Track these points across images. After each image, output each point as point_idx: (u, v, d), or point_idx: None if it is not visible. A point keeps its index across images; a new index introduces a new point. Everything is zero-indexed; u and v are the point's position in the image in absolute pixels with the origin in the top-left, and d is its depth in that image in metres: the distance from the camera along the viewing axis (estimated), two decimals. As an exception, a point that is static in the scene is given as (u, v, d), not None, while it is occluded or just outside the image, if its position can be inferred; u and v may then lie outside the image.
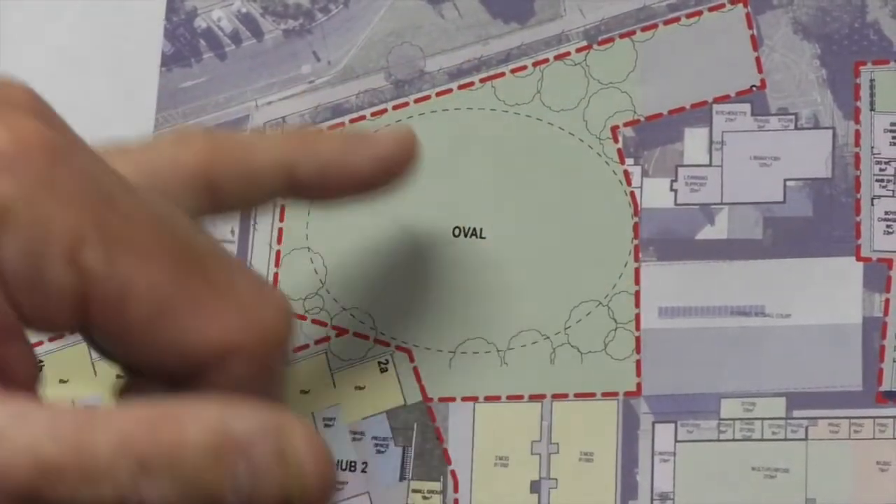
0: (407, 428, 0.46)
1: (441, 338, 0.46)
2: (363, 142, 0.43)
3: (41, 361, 0.48)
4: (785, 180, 0.47)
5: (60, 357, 0.49)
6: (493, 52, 0.48)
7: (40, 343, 0.49)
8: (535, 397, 0.46)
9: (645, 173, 0.48)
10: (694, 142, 0.47)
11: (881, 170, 0.47)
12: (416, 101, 0.49)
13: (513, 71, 0.48)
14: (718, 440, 0.47)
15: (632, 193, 0.47)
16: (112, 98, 0.48)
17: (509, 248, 0.47)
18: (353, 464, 0.47)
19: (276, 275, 0.48)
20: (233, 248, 0.48)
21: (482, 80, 0.48)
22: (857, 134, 0.47)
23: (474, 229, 0.46)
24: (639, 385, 0.46)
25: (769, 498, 0.46)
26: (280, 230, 0.48)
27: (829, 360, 0.46)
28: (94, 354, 0.48)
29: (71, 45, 0.50)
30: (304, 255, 0.49)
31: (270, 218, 0.49)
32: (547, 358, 0.46)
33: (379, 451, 0.47)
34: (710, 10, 0.48)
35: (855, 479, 0.46)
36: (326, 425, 0.46)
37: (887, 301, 0.46)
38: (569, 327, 0.46)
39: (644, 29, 0.48)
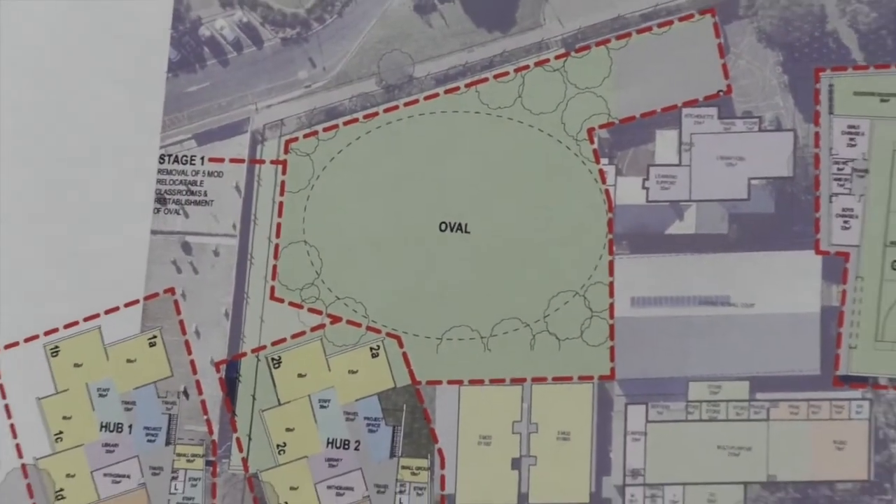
0: (397, 409, 0.48)
1: (428, 325, 0.48)
2: None
3: (56, 347, 0.50)
4: (749, 179, 0.48)
5: (74, 343, 0.51)
6: (478, 58, 0.49)
7: (55, 330, 0.51)
8: (515, 381, 0.48)
9: (619, 172, 0.49)
10: (664, 143, 0.49)
11: (839, 169, 0.48)
12: (406, 104, 0.49)
13: (496, 76, 0.49)
14: (686, 420, 0.48)
15: (606, 191, 0.49)
16: (122, 102, 0.50)
17: (492, 242, 0.49)
18: (346, 442, 0.49)
19: (274, 267, 0.50)
20: (234, 243, 0.49)
21: (467, 85, 0.49)
22: (817, 136, 0.48)
23: (460, 224, 0.48)
24: (612, 370, 0.48)
25: (733, 474, 0.48)
26: (279, 225, 0.50)
27: (789, 347, 0.48)
28: (107, 340, 0.50)
29: (82, 52, 0.51)
30: (301, 248, 0.51)
31: (270, 214, 0.50)
32: (527, 344, 0.48)
33: (371, 431, 0.49)
34: (681, 20, 0.49)
35: (813, 456, 0.48)
36: (322, 406, 0.49)
37: (844, 292, 0.48)
38: (547, 316, 0.48)
39: (618, 37, 0.49)
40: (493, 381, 0.48)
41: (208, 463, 0.50)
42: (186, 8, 0.50)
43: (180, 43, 0.51)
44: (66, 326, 0.50)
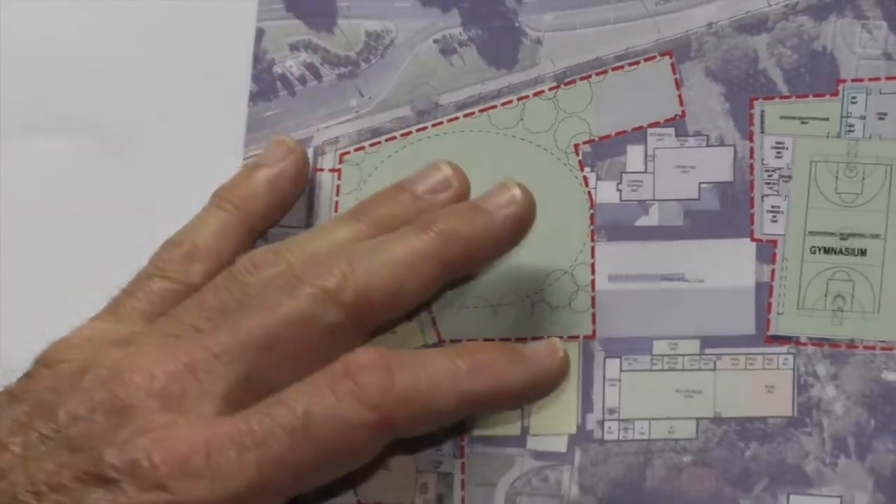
0: (427, 361, 0.53)
1: (452, 296, 0.53)
2: (522, 360, 0.48)
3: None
4: (699, 183, 0.53)
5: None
6: (489, 90, 0.54)
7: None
8: (518, 339, 0.53)
9: (598, 178, 0.54)
10: (634, 155, 0.54)
11: (769, 175, 0.53)
12: (433, 125, 0.54)
13: (502, 104, 0.54)
14: (651, 370, 0.53)
15: (589, 193, 0.54)
16: (212, 126, 0.55)
17: (500, 232, 0.54)
18: (387, 391, 0.54)
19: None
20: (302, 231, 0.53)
21: (480, 111, 0.54)
22: (752, 150, 0.53)
23: None
24: (594, 331, 0.53)
25: (688, 412, 0.53)
26: (336, 203, 0.54)
27: (731, 313, 0.53)
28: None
29: (178, 88, 0.56)
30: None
31: (328, 209, 0.54)
32: (527, 311, 0.53)
33: (407, 377, 0.53)
34: (646, 60, 0.54)
35: (750, 398, 0.52)
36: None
37: (773, 271, 0.53)
38: (543, 289, 0.53)
39: (597, 74, 0.54)
40: (500, 339, 0.53)
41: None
42: (263, 52, 0.55)
43: (259, 78, 0.55)
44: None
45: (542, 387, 0.49)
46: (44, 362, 0.46)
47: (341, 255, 0.45)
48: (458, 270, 0.49)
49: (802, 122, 0.53)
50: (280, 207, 0.52)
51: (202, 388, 0.43)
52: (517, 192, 0.49)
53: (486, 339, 0.52)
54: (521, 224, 0.49)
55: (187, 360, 0.43)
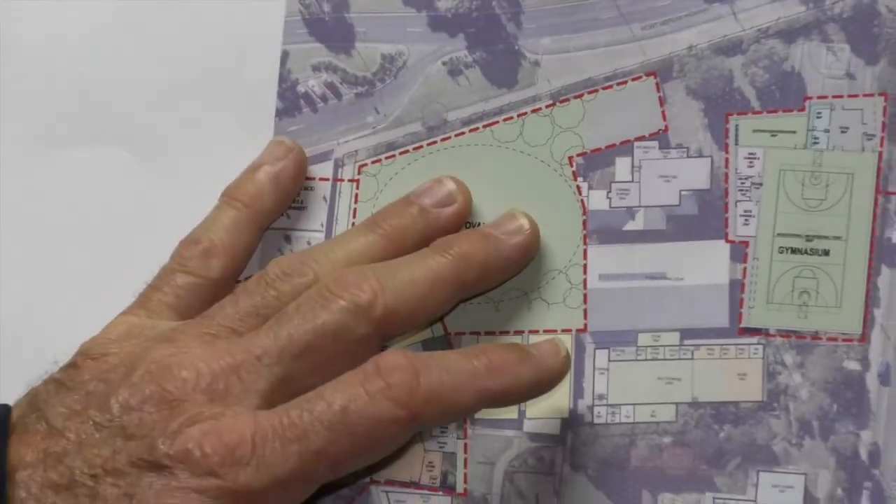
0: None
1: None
2: (530, 360, 0.48)
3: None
4: (680, 191, 0.54)
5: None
6: (492, 107, 0.55)
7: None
8: (517, 332, 0.54)
9: (590, 187, 0.54)
10: (622, 166, 0.54)
11: (742, 183, 0.54)
12: (441, 140, 0.55)
13: (504, 120, 0.54)
14: (636, 360, 0.53)
15: (582, 200, 0.54)
16: (242, 140, 0.55)
17: (501, 236, 0.53)
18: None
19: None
20: (321, 236, 0.54)
21: (484, 126, 0.54)
22: (727, 160, 0.54)
23: (479, 224, 0.54)
24: (585, 325, 0.53)
25: (668, 397, 0.53)
26: (353, 224, 0.54)
27: (707, 308, 0.53)
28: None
29: (210, 105, 0.56)
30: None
31: (347, 216, 0.55)
32: (526, 307, 0.54)
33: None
34: (633, 80, 0.54)
35: (724, 384, 0.53)
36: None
37: (745, 269, 0.53)
38: (540, 287, 0.54)
39: (589, 92, 0.54)
40: (500, 332, 0.54)
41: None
42: (288, 72, 0.55)
43: (284, 96, 0.55)
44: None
45: (547, 383, 0.49)
46: (89, 354, 0.47)
47: (370, 272, 0.47)
48: (471, 290, 0.51)
49: (772, 135, 0.53)
50: (284, 202, 0.53)
51: (244, 386, 0.44)
52: (524, 221, 0.51)
53: (487, 332, 0.53)
54: (527, 251, 0.51)
55: (230, 360, 0.45)
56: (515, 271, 0.52)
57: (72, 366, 0.47)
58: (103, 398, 0.44)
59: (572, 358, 0.53)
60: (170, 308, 0.49)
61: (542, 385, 0.49)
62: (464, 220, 0.52)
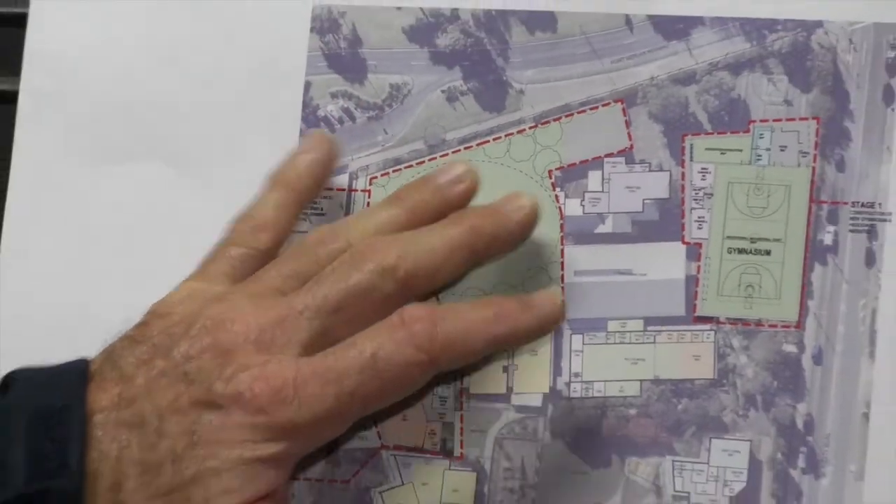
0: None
1: (454, 286, 0.56)
2: (532, 308, 0.52)
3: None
4: (643, 199, 0.57)
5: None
6: (483, 128, 0.58)
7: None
8: None
9: (566, 196, 0.57)
10: (594, 178, 0.57)
11: (696, 193, 0.57)
12: (441, 156, 0.58)
13: (493, 139, 0.58)
14: (606, 343, 0.57)
15: (559, 207, 0.57)
16: (270, 156, 0.57)
17: (489, 239, 0.53)
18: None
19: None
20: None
21: (477, 144, 0.58)
22: (683, 174, 0.57)
23: None
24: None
25: (634, 375, 0.57)
26: (369, 192, 0.57)
27: (667, 299, 0.57)
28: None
29: (244, 126, 0.59)
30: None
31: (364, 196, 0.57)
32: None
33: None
34: (603, 105, 0.58)
35: (681, 364, 0.57)
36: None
37: (699, 266, 0.57)
38: (524, 281, 0.57)
39: (566, 116, 0.58)
40: None
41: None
42: (310, 99, 0.59)
43: (307, 119, 0.59)
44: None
45: (546, 327, 0.52)
46: (156, 314, 0.50)
47: (394, 240, 0.50)
48: (482, 258, 0.53)
49: (722, 153, 0.56)
50: (321, 185, 0.56)
51: (287, 338, 0.48)
52: (525, 200, 0.53)
53: (479, 319, 0.56)
54: (529, 225, 0.54)
55: (275, 315, 0.48)
56: (520, 242, 0.54)
57: (142, 324, 0.50)
58: (167, 349, 0.47)
59: (551, 339, 0.56)
60: (224, 275, 0.52)
61: (543, 329, 0.52)
62: (473, 196, 0.54)
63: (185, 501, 0.45)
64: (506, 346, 0.53)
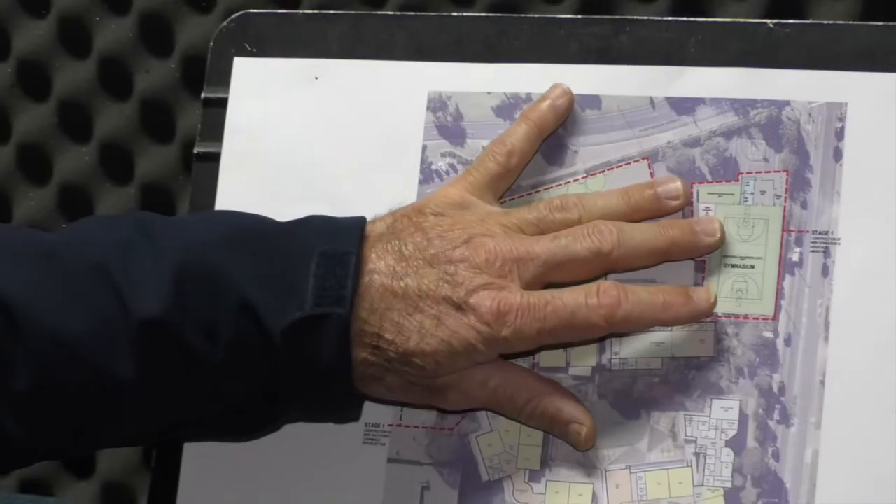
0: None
1: None
2: (691, 302, 0.62)
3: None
4: None
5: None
6: (547, 178, 0.72)
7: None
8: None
9: None
10: None
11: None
12: (518, 197, 0.71)
13: (555, 185, 0.72)
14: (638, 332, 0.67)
15: None
16: (396, 199, 0.70)
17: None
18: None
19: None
20: None
21: (543, 190, 0.72)
22: (692, 211, 0.70)
23: None
24: None
25: (657, 354, 0.68)
26: None
27: None
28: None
29: (378, 178, 0.72)
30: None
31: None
32: None
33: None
34: (634, 162, 0.71)
35: (691, 345, 0.69)
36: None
37: (703, 276, 0.69)
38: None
39: (609, 170, 0.70)
40: None
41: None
42: (426, 157, 0.73)
43: (423, 172, 0.74)
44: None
45: (697, 319, 0.63)
46: (433, 209, 0.62)
47: (616, 230, 0.62)
48: (671, 258, 0.64)
49: (719, 196, 0.69)
50: (558, 124, 0.68)
51: (519, 273, 0.59)
52: (717, 228, 0.64)
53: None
54: (712, 250, 0.65)
55: (516, 253, 0.60)
56: (693, 259, 0.65)
57: (419, 210, 0.63)
58: (439, 249, 0.60)
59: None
60: (482, 183, 0.65)
61: (694, 319, 0.63)
62: (679, 211, 0.66)
63: (419, 367, 0.59)
64: (662, 327, 0.64)
